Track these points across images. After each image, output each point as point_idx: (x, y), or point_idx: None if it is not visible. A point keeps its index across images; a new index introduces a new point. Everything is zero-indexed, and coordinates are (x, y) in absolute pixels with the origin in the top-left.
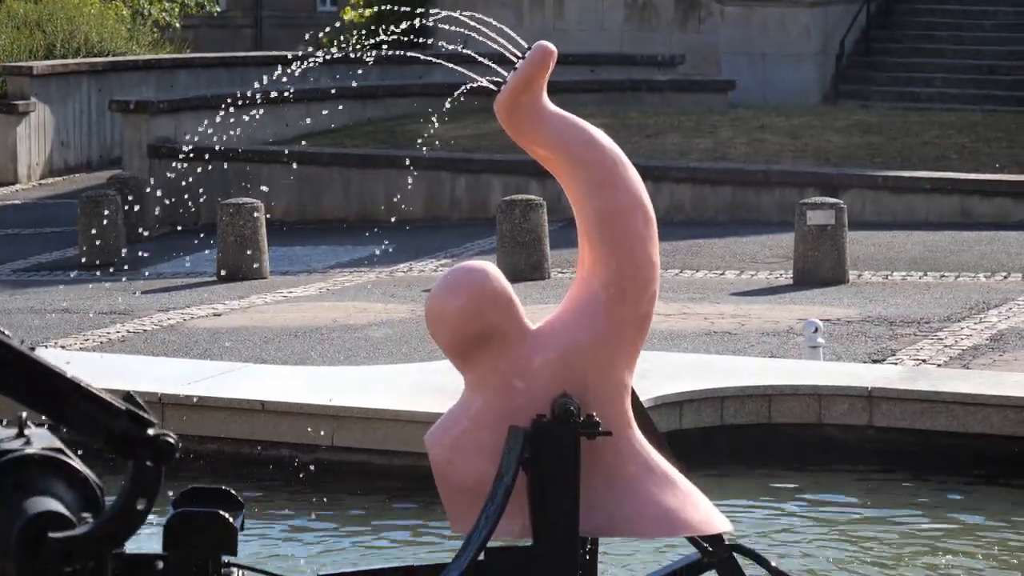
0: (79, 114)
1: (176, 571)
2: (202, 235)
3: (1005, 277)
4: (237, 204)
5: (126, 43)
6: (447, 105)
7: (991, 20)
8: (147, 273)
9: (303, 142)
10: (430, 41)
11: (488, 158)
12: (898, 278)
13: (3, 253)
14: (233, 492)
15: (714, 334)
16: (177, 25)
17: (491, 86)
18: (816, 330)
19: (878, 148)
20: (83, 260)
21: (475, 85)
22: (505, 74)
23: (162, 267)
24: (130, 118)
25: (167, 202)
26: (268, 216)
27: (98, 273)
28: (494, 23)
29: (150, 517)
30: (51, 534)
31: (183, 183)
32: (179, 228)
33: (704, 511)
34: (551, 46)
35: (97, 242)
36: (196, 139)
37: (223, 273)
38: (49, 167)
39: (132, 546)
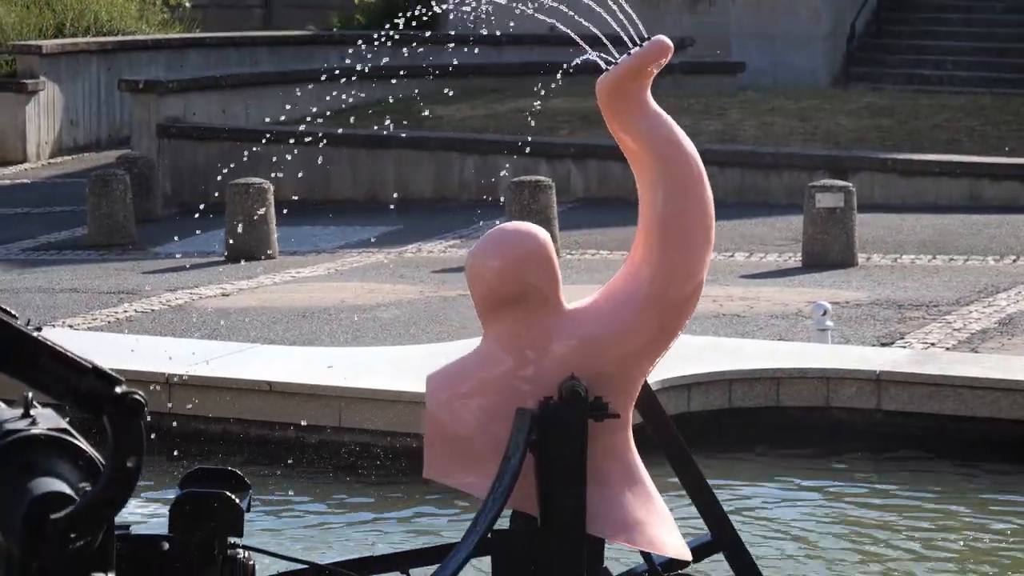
0: (88, 93)
1: (182, 552)
2: (211, 215)
3: (1014, 260)
4: (246, 184)
5: (136, 22)
6: (558, 78)
7: (1002, 3)
8: (155, 253)
9: (319, 119)
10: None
11: (498, 139)
12: (907, 261)
13: (12, 232)
14: (240, 473)
15: (723, 316)
16: (187, 5)
17: (603, 64)
18: (825, 313)
19: (888, 131)
20: (91, 240)
21: (583, 60)
22: (605, 60)
23: (170, 247)
24: (139, 97)
25: (176, 182)
26: (277, 196)
27: (106, 253)
28: (625, 6)
29: (155, 505)
30: (52, 515)
31: (192, 163)
32: (188, 208)
33: (669, 534)
34: (669, 42)
35: (106, 221)
36: (237, 118)
37: (231, 253)
38: (58, 146)
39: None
